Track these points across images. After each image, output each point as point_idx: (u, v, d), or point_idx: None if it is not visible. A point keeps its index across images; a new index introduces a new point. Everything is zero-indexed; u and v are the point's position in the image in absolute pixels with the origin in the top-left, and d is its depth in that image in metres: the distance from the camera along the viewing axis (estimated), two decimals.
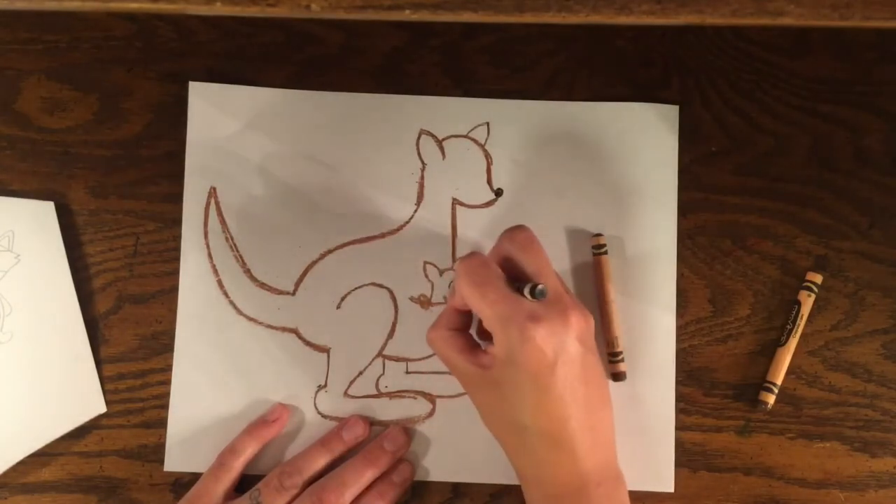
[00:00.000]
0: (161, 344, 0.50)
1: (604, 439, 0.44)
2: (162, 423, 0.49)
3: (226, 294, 0.50)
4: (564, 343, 0.41)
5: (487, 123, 0.51)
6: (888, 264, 0.50)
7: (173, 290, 0.50)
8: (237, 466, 0.48)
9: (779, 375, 0.49)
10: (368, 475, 0.47)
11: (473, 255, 0.43)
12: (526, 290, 0.41)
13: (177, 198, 0.50)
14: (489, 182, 0.51)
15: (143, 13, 0.51)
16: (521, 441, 0.43)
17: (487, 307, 0.41)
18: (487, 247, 0.49)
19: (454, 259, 0.50)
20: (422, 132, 0.51)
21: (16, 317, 0.49)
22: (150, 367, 0.50)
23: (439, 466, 0.49)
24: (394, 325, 0.50)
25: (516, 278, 0.43)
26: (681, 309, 0.50)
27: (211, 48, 0.51)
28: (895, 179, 0.51)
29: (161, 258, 0.50)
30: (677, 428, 0.49)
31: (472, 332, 0.46)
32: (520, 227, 0.44)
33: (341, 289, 0.50)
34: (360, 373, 0.50)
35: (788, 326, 0.50)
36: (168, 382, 0.49)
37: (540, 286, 0.41)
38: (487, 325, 0.42)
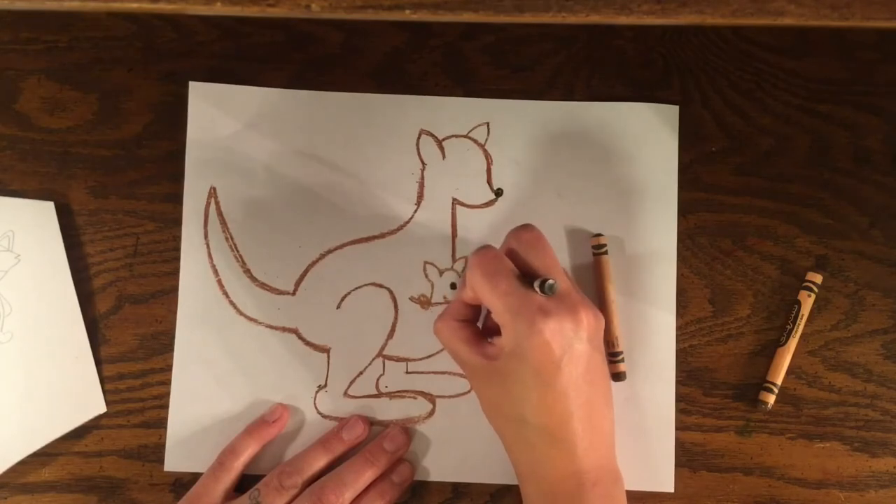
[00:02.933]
0: (161, 344, 0.50)
1: (604, 440, 0.44)
2: (162, 423, 0.49)
3: (226, 294, 0.50)
4: (572, 340, 0.41)
5: (487, 123, 0.51)
6: (888, 264, 0.50)
7: (173, 290, 0.50)
8: (237, 466, 0.48)
9: (779, 375, 0.49)
10: (368, 475, 0.47)
11: (487, 247, 0.43)
12: (536, 285, 0.41)
13: (177, 198, 0.50)
14: (489, 182, 0.51)
15: (143, 13, 0.51)
16: (521, 435, 0.43)
17: (498, 299, 0.41)
18: None
19: (454, 259, 0.50)
20: (422, 132, 0.51)
21: (16, 317, 0.49)
22: (150, 367, 0.50)
23: (439, 466, 0.49)
24: (394, 325, 0.50)
25: (526, 276, 0.43)
26: (681, 309, 0.50)
27: (211, 48, 0.51)
28: (895, 179, 0.51)
29: (161, 258, 0.50)
30: (677, 428, 0.49)
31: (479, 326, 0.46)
32: (526, 227, 0.44)
33: (341, 289, 0.50)
34: (360, 373, 0.50)
35: (788, 326, 0.50)
36: (168, 382, 0.49)
37: (550, 281, 0.41)
38: (496, 316, 0.42)
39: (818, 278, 0.50)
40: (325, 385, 0.50)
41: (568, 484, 0.42)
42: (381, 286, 0.50)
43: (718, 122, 0.51)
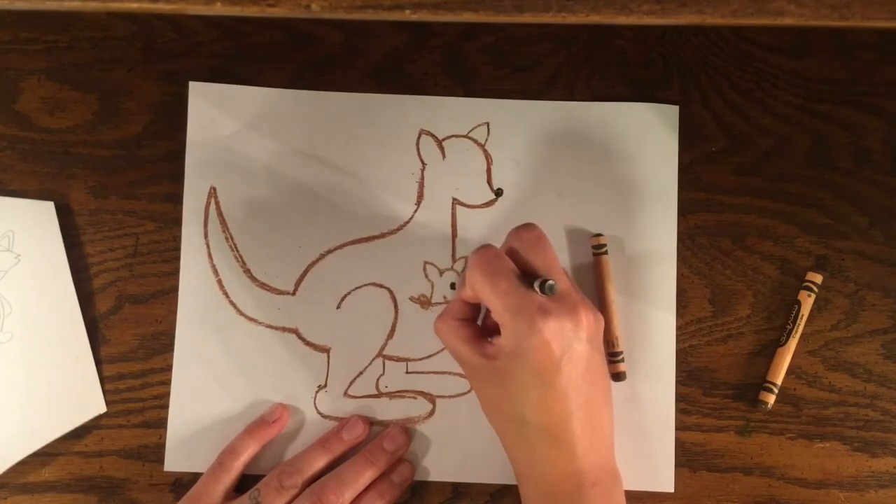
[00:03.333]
0: (161, 344, 0.50)
1: (603, 440, 0.44)
2: (162, 423, 0.49)
3: (226, 294, 0.50)
4: (572, 341, 0.41)
5: (487, 123, 0.51)
6: (888, 264, 0.50)
7: (173, 290, 0.50)
8: (237, 467, 0.48)
9: (779, 375, 0.49)
10: (368, 475, 0.47)
11: (487, 247, 0.43)
12: (536, 285, 0.41)
13: (177, 198, 0.50)
14: (489, 182, 0.51)
15: (143, 13, 0.51)
16: (521, 435, 0.43)
17: (498, 298, 0.41)
18: None
19: (454, 259, 0.50)
20: (422, 132, 0.51)
21: (16, 317, 0.49)
22: (150, 367, 0.50)
23: (439, 466, 0.49)
24: (394, 325, 0.50)
25: (526, 276, 0.43)
26: (681, 309, 0.50)
27: (211, 48, 0.51)
28: (895, 179, 0.51)
29: (161, 258, 0.50)
30: (677, 428, 0.49)
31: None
32: (527, 226, 0.44)
33: (341, 289, 0.50)
34: (360, 373, 0.50)
35: (788, 326, 0.50)
36: (168, 382, 0.49)
37: (550, 281, 0.41)
38: (496, 316, 0.42)
39: (818, 278, 0.50)
40: (325, 385, 0.50)
41: (567, 484, 0.42)
42: (381, 286, 0.50)
43: (718, 122, 0.51)
